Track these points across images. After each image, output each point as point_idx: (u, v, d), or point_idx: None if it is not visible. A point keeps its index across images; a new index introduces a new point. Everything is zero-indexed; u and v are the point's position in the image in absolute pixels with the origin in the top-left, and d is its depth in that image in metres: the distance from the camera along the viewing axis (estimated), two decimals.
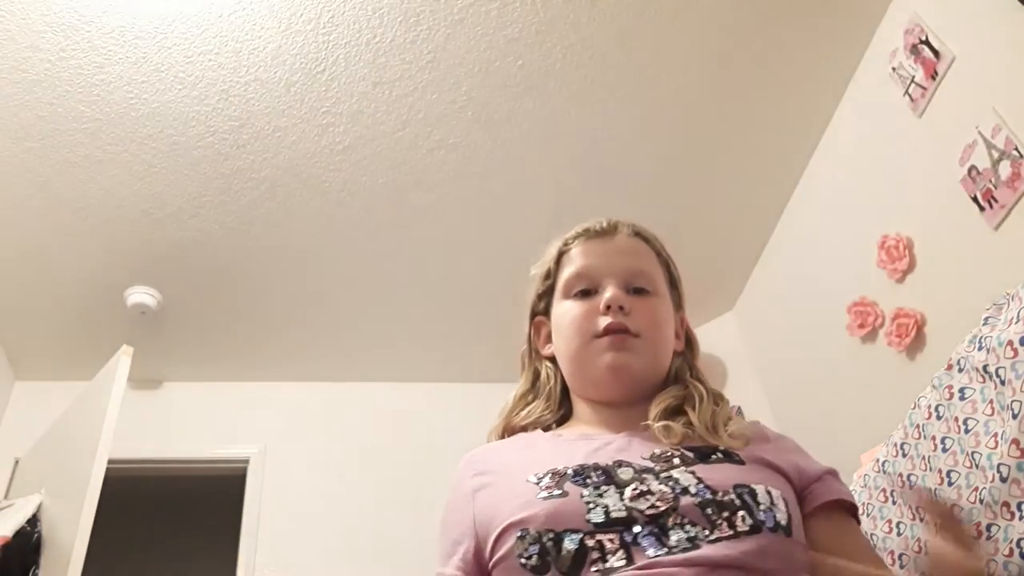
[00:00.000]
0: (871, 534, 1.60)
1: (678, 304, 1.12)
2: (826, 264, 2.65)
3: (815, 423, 2.71)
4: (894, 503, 1.57)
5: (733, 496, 0.82)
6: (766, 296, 3.13)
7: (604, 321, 0.99)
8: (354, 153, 2.51)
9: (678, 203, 2.82)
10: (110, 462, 2.21)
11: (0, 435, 3.08)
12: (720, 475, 0.85)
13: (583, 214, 3.05)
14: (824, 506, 0.91)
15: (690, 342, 1.11)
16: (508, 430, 1.08)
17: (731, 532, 0.79)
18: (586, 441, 0.96)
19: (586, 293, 1.04)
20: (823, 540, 0.88)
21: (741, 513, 0.80)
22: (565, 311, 1.05)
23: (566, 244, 1.13)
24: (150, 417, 3.19)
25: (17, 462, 2.91)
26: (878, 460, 1.65)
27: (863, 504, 1.65)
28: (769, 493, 0.84)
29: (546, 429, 1.06)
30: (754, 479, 0.85)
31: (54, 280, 2.83)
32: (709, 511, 0.80)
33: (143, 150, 2.41)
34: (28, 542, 2.22)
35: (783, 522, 0.82)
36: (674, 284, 1.13)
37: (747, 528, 0.79)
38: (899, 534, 1.52)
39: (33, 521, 2.26)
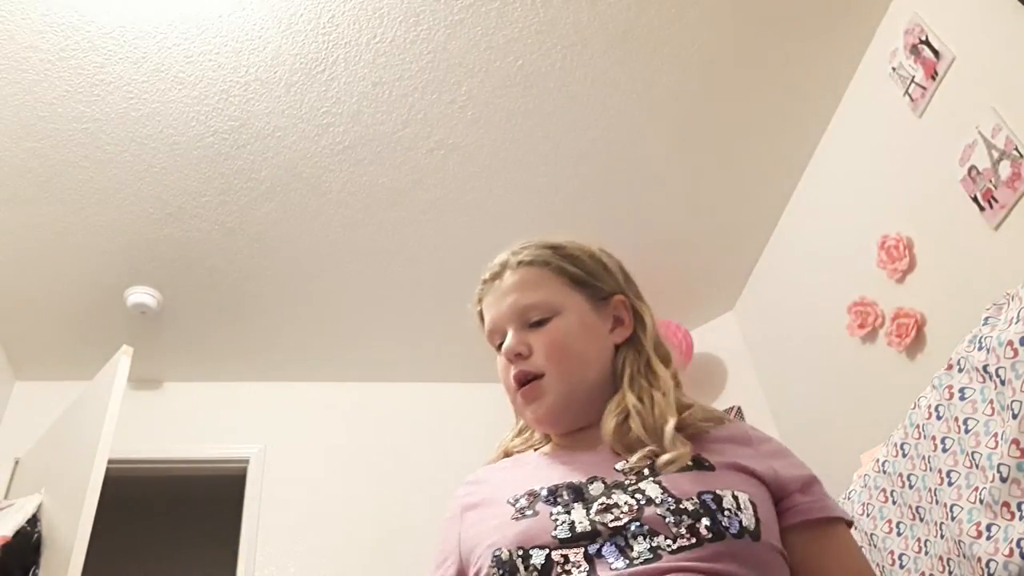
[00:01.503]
0: (871, 534, 1.60)
1: (602, 296, 1.06)
2: (826, 264, 2.65)
3: (815, 423, 2.71)
4: (894, 503, 1.57)
5: (696, 503, 0.82)
6: (766, 296, 3.13)
7: (512, 374, 1.03)
8: (354, 153, 2.51)
9: (678, 203, 2.83)
10: (110, 462, 2.20)
11: (0, 435, 3.08)
12: (686, 483, 0.85)
13: (583, 214, 3.06)
14: (814, 520, 0.90)
15: (639, 318, 1.07)
16: (506, 455, 1.11)
17: (693, 540, 0.79)
18: (566, 458, 0.98)
19: (502, 345, 1.06)
20: (814, 555, 0.88)
21: (704, 520, 0.80)
22: (498, 365, 1.08)
23: (478, 301, 1.14)
24: (150, 417, 3.19)
25: (17, 462, 2.90)
26: (878, 460, 1.65)
27: (863, 504, 1.66)
28: (736, 498, 0.83)
29: (536, 449, 1.08)
30: (721, 484, 0.85)
31: (54, 280, 2.83)
32: (671, 520, 0.81)
33: (143, 150, 2.41)
34: (28, 542, 2.22)
35: (750, 527, 0.81)
36: (584, 282, 1.06)
37: (709, 535, 0.79)
38: (899, 534, 1.52)
39: (33, 521, 2.26)
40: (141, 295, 2.88)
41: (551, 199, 2.72)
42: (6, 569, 2.12)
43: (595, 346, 1.03)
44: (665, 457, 0.89)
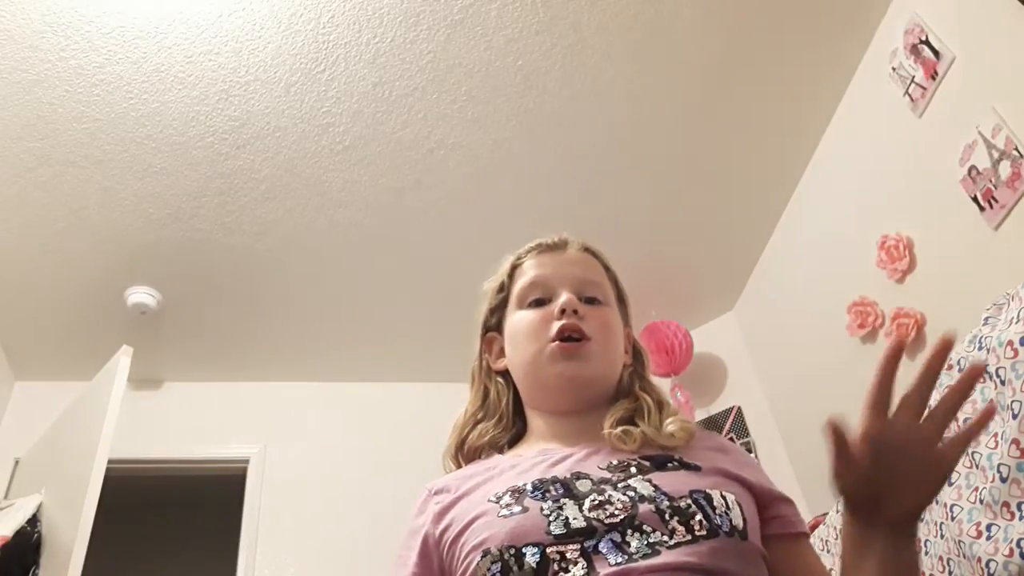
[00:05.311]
0: None
1: (625, 320, 1.13)
2: (826, 264, 2.65)
3: (815, 423, 2.71)
4: None
5: (689, 501, 0.83)
6: (766, 296, 3.13)
7: (558, 325, 1.01)
8: (354, 153, 2.51)
9: (679, 203, 2.82)
10: (110, 462, 2.20)
11: (0, 435, 3.08)
12: (676, 481, 0.86)
13: (583, 214, 3.06)
14: (796, 534, 0.92)
15: (639, 355, 1.12)
16: (461, 449, 1.10)
17: (689, 537, 0.80)
18: (544, 456, 0.96)
19: (540, 302, 1.05)
20: (792, 565, 0.89)
21: (698, 517, 0.81)
22: (519, 319, 1.06)
23: (519, 258, 1.14)
24: (150, 417, 3.19)
25: (17, 462, 2.90)
26: None
27: None
28: (724, 497, 0.85)
29: (501, 450, 1.07)
30: (709, 484, 0.87)
31: (54, 280, 2.83)
32: (667, 517, 0.81)
33: (143, 150, 2.41)
34: (28, 542, 2.22)
35: (739, 526, 0.83)
36: (621, 300, 1.14)
37: (704, 532, 0.80)
38: None
39: (33, 521, 2.26)
40: (141, 295, 2.88)
41: (551, 199, 2.72)
42: (6, 569, 2.12)
43: (621, 351, 1.08)
44: (669, 428, 0.94)
